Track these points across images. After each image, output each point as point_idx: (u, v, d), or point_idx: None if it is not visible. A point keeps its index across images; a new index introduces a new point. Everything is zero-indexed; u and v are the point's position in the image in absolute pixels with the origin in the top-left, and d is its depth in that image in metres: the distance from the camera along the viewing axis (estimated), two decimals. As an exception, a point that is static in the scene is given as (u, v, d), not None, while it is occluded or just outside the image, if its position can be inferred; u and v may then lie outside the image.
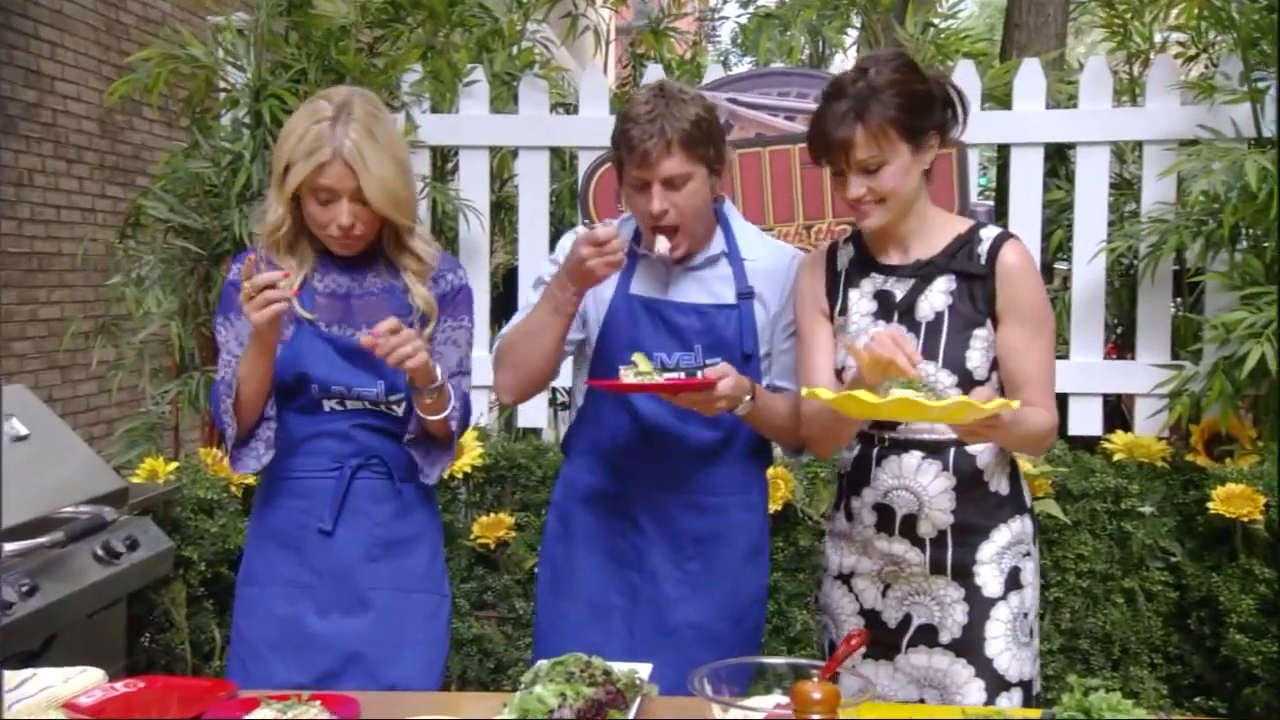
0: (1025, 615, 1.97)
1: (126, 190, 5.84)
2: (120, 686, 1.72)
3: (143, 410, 3.50)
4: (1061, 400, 3.21)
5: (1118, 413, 3.61)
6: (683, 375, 2.08)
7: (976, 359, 1.92)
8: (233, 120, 3.58)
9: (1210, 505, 2.97)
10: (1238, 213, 2.96)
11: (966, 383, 1.90)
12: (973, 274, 1.93)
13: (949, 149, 3.03)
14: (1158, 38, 3.83)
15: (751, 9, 4.72)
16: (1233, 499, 2.94)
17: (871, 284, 1.99)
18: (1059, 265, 3.96)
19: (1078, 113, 3.43)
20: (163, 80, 3.51)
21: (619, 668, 1.70)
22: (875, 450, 1.97)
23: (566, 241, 2.22)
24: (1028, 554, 2.00)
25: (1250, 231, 3.13)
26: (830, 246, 2.08)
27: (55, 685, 1.70)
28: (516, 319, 2.17)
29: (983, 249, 1.94)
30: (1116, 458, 3.17)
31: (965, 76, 3.40)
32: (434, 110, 3.63)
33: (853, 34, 4.52)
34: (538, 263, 3.56)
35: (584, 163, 3.56)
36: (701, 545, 2.15)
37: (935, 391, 1.84)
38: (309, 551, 2.07)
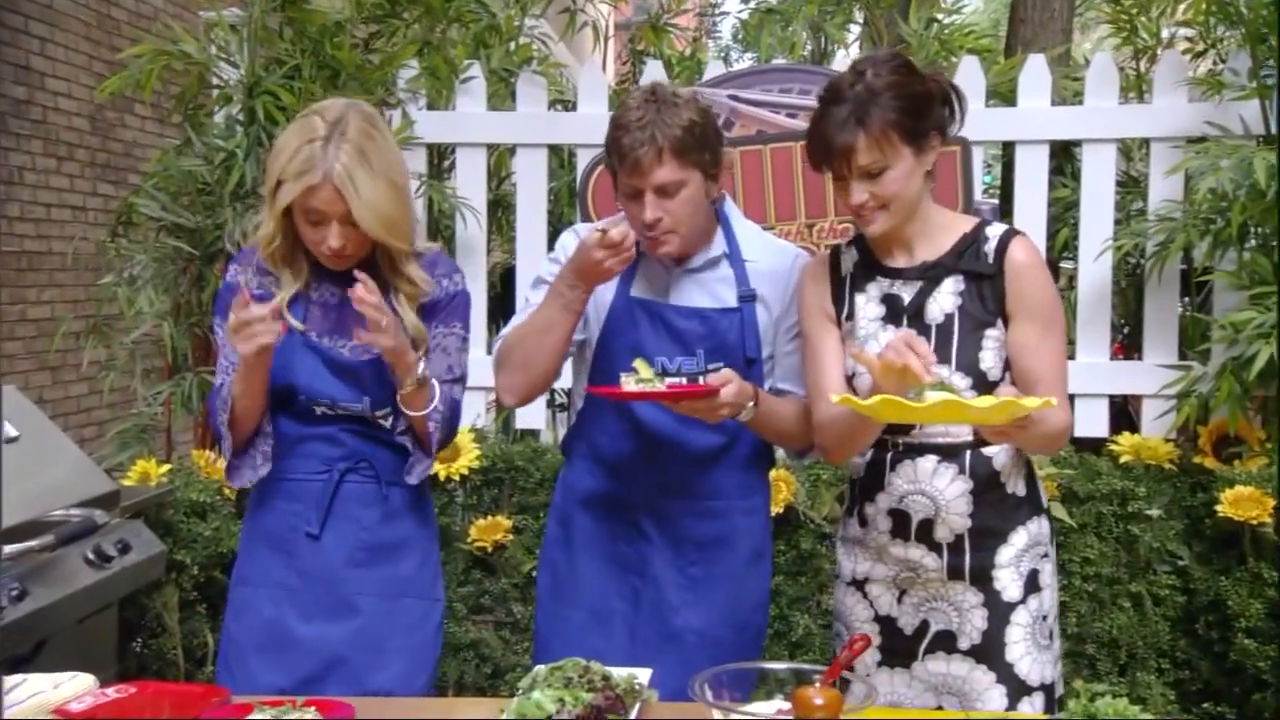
0: (1045, 618, 1.97)
1: (118, 188, 5.84)
2: (112, 692, 1.72)
3: (134, 412, 3.50)
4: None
5: (1124, 414, 3.61)
6: (684, 381, 2.08)
7: (990, 359, 1.92)
8: (226, 117, 3.58)
9: (1218, 508, 2.97)
10: (1246, 211, 2.96)
11: (981, 385, 1.90)
12: (981, 273, 1.93)
13: (952, 147, 3.03)
14: (1165, 33, 3.83)
15: (753, 4, 4.71)
16: (1241, 502, 2.94)
17: (878, 288, 1.99)
18: (1064, 264, 3.96)
19: (1083, 109, 3.43)
20: (155, 76, 3.51)
21: (618, 673, 1.70)
22: (889, 455, 1.97)
23: (566, 240, 2.21)
24: (1045, 555, 2.00)
25: (1259, 230, 3.13)
26: (833, 251, 2.07)
27: (46, 691, 1.70)
28: (518, 319, 2.16)
29: (990, 247, 1.94)
30: (1123, 460, 3.17)
31: (969, 73, 3.40)
32: (430, 107, 3.63)
33: (855, 30, 4.51)
34: (536, 262, 3.56)
35: (582, 160, 3.56)
36: (704, 550, 2.15)
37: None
38: (297, 554, 2.08)
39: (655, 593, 2.15)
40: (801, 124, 3.45)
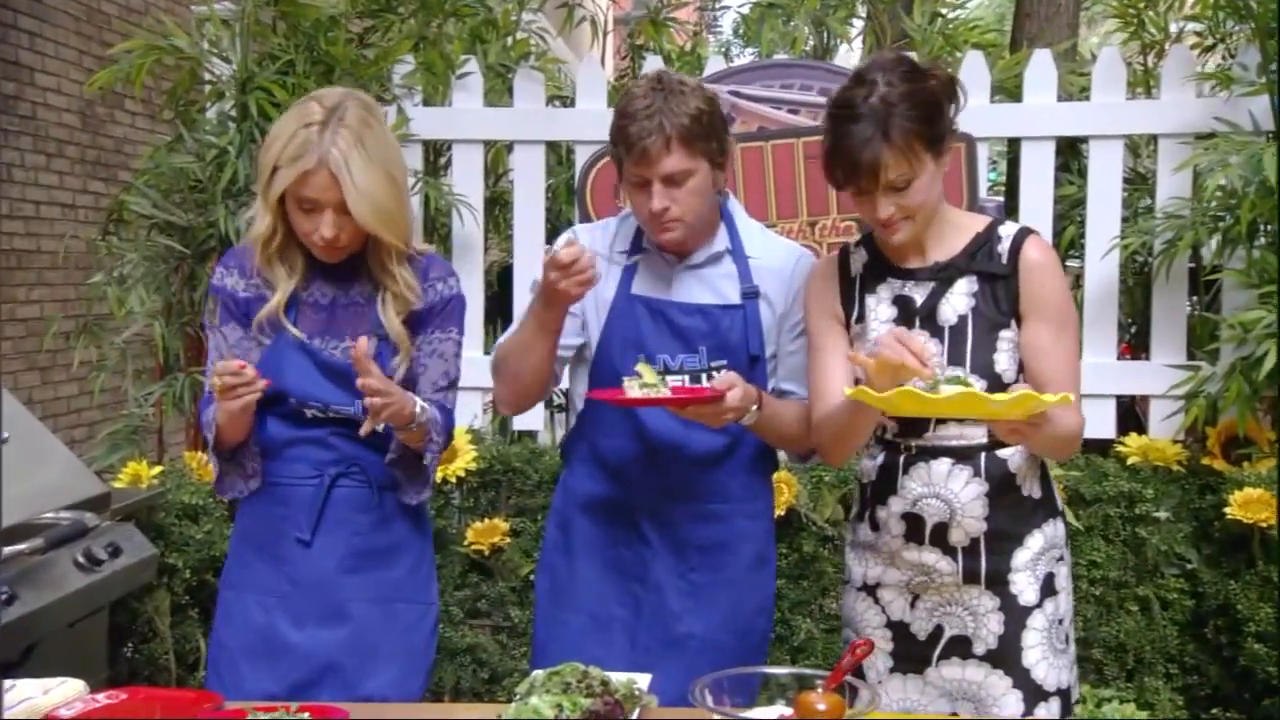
0: (1060, 621, 1.98)
1: (108, 185, 5.84)
2: (102, 698, 1.72)
3: (125, 413, 3.50)
4: (1074, 402, 3.21)
5: (1132, 415, 3.61)
6: (687, 379, 2.08)
7: (1004, 361, 1.92)
8: (218, 113, 3.58)
9: (1227, 510, 2.97)
10: (1255, 208, 2.96)
11: (995, 388, 1.89)
12: (995, 274, 1.92)
13: (956, 144, 3.03)
14: (1173, 28, 3.83)
15: (753, -2, 4.72)
16: (1251, 504, 2.94)
17: (889, 289, 1.98)
18: (1071, 262, 3.95)
19: (1090, 105, 3.43)
20: (145, 72, 3.51)
21: (617, 678, 1.70)
22: (902, 458, 1.97)
23: (563, 242, 2.22)
24: (1061, 558, 2.00)
25: (1268, 227, 3.12)
26: (841, 251, 2.07)
27: (35, 697, 1.70)
28: (511, 329, 2.17)
29: (1003, 247, 1.94)
30: (1130, 461, 3.17)
31: (974, 68, 3.40)
32: (426, 103, 3.63)
33: (858, 24, 4.51)
34: (533, 260, 3.58)
35: (581, 157, 3.56)
36: (706, 554, 2.15)
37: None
38: (287, 560, 2.08)
39: (656, 598, 2.15)
40: (804, 120, 3.46)
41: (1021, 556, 1.95)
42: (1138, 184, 3.67)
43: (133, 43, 3.57)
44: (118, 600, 2.66)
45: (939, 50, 3.76)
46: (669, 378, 2.04)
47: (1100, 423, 3.37)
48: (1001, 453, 1.94)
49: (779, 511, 2.98)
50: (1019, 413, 1.72)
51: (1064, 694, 1.96)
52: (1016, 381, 1.91)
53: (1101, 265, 3.38)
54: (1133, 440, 3.21)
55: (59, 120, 5.64)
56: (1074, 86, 3.62)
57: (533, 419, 3.65)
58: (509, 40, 3.99)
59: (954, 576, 1.94)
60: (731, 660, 1.95)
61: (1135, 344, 3.69)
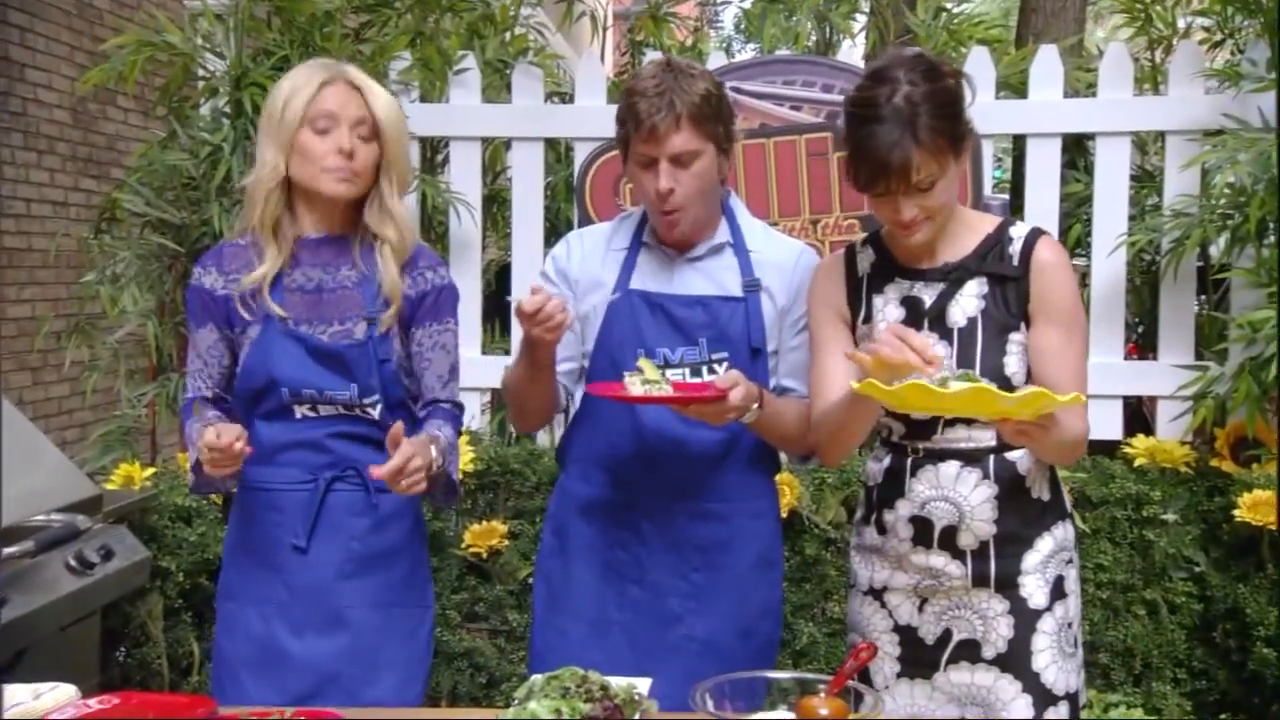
0: (1070, 625, 1.98)
1: (100, 183, 5.84)
2: (94, 703, 1.72)
3: (118, 413, 3.50)
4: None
5: (1139, 416, 3.61)
6: (686, 372, 2.08)
7: (1014, 365, 1.91)
8: (212, 110, 3.58)
9: (1236, 513, 2.97)
10: (1265, 206, 2.96)
11: (1005, 391, 1.89)
12: (1005, 275, 1.92)
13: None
14: (1181, 23, 3.83)
15: (755, -7, 4.72)
16: (1259, 506, 2.94)
17: (898, 290, 1.98)
18: (1077, 261, 3.95)
19: (1097, 102, 3.43)
20: (138, 68, 3.51)
21: (617, 682, 1.70)
22: (909, 460, 1.96)
23: (558, 252, 2.24)
24: (1070, 561, 2.00)
25: (1278, 225, 3.13)
26: (848, 250, 2.06)
27: (26, 702, 1.70)
28: (513, 357, 2.19)
29: (1015, 249, 1.93)
30: (1138, 463, 3.17)
31: (979, 64, 3.40)
32: (423, 99, 3.63)
33: (861, 20, 4.51)
34: (532, 259, 3.59)
35: (580, 154, 3.56)
36: (706, 554, 2.14)
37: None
38: (283, 568, 2.07)
39: (655, 600, 2.15)
40: (806, 117, 3.46)
41: (1031, 559, 1.95)
42: (1145, 181, 3.67)
43: (125, 38, 3.57)
44: (110, 604, 2.66)
45: (943, 46, 3.76)
46: (668, 371, 2.04)
47: (1107, 424, 3.37)
48: (1010, 455, 1.94)
49: (781, 513, 2.98)
50: (1029, 412, 1.71)
51: (1072, 698, 1.96)
52: (1026, 385, 1.91)
53: (1108, 264, 3.39)
54: (1140, 442, 3.21)
55: (50, 117, 5.64)
56: (1080, 82, 3.62)
57: (531, 420, 3.64)
58: (507, 36, 4.00)
59: (963, 580, 1.94)
60: (735, 664, 1.95)
61: (1142, 344, 3.69)
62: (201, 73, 3.62)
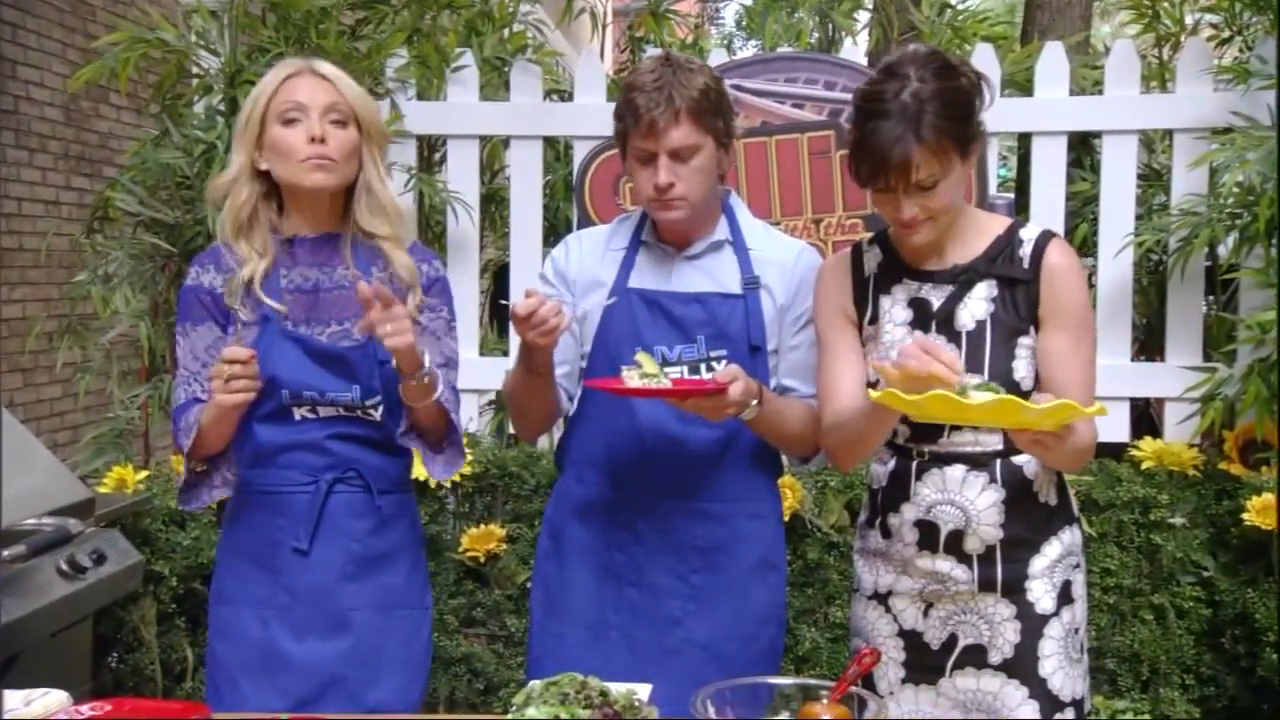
0: (1076, 631, 1.98)
1: (93, 182, 5.84)
2: (86, 710, 1.72)
3: (111, 415, 3.50)
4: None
5: (1146, 418, 3.61)
6: (685, 370, 2.08)
7: (1023, 369, 1.91)
8: (206, 107, 3.58)
9: (1245, 516, 2.97)
10: (1274, 205, 2.96)
11: (1016, 395, 1.88)
12: (1015, 279, 1.92)
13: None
14: (1189, 19, 3.83)
15: (757, -11, 4.73)
16: (1269, 510, 2.94)
17: (905, 291, 1.97)
18: (1083, 261, 3.96)
19: (1103, 99, 3.44)
20: (131, 65, 3.51)
21: (617, 688, 1.70)
22: (914, 464, 1.96)
23: (557, 254, 2.24)
24: (1077, 566, 2.00)
25: (1286, 225, 3.13)
26: (854, 249, 2.06)
27: (17, 708, 1.70)
28: (513, 363, 2.18)
29: (1025, 251, 1.93)
30: (1145, 466, 3.17)
31: (984, 61, 3.40)
32: (420, 97, 3.63)
33: (864, 17, 4.51)
34: (531, 258, 3.59)
35: (579, 153, 3.56)
36: (706, 556, 2.14)
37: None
38: (283, 571, 2.06)
39: (653, 602, 2.14)
40: (808, 115, 3.46)
41: (1039, 564, 1.95)
42: (1152, 180, 3.67)
43: (118, 35, 3.57)
44: (102, 609, 2.66)
45: (948, 43, 3.76)
46: (667, 369, 2.04)
47: (1114, 426, 3.36)
48: (1017, 459, 1.93)
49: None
50: (1052, 423, 1.71)
51: (1078, 704, 1.96)
52: (1035, 389, 1.91)
53: (1115, 264, 3.39)
54: (1147, 444, 3.21)
55: (42, 115, 5.64)
56: (1087, 80, 3.62)
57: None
58: (505, 33, 3.99)
59: (969, 585, 1.94)
60: (736, 669, 1.95)
61: (1150, 345, 3.69)
62: (195, 70, 3.62)
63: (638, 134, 2.03)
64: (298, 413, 2.05)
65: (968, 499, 1.93)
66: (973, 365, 1.90)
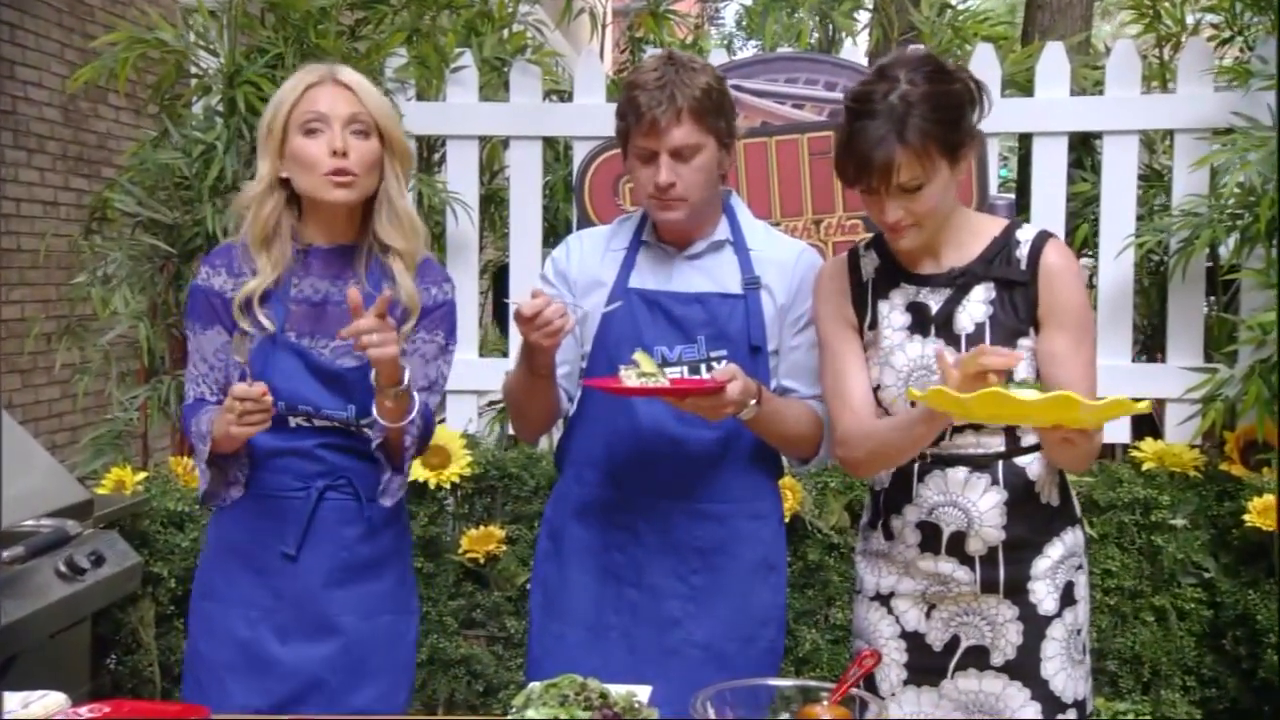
0: (1079, 632, 1.98)
1: (91, 182, 5.84)
2: (84, 712, 1.72)
3: (109, 417, 3.50)
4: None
5: (1147, 419, 3.61)
6: (685, 370, 2.08)
7: (1024, 371, 1.91)
8: (205, 108, 3.58)
9: (1246, 517, 2.97)
10: (1275, 206, 2.97)
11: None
12: (1013, 280, 1.92)
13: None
14: (1189, 20, 3.84)
15: (757, -10, 4.74)
16: (1270, 511, 2.94)
17: (903, 295, 1.97)
18: (1084, 261, 3.96)
19: (1104, 100, 3.44)
20: (130, 65, 3.51)
21: (616, 690, 1.70)
22: (916, 466, 1.96)
23: (558, 254, 2.24)
24: (1080, 567, 2.00)
25: (1287, 226, 3.13)
26: (851, 254, 2.06)
27: (15, 710, 1.70)
28: (513, 364, 2.18)
29: (1022, 252, 1.93)
30: (1146, 467, 3.17)
31: (984, 61, 3.41)
32: (420, 98, 3.63)
33: (864, 17, 4.52)
34: (530, 259, 3.59)
35: (579, 153, 3.56)
36: (706, 557, 2.14)
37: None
38: (271, 573, 2.07)
39: (654, 604, 2.14)
40: (808, 115, 3.46)
41: (1041, 565, 1.95)
42: (1153, 181, 3.67)
43: (116, 35, 3.57)
44: (101, 610, 2.66)
45: (948, 43, 3.77)
46: (667, 369, 2.04)
47: (1114, 427, 3.37)
48: (1019, 461, 1.94)
49: (783, 518, 2.99)
50: (1097, 419, 1.71)
51: (1080, 705, 1.97)
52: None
53: (1116, 265, 3.39)
54: (1148, 445, 3.21)
55: (40, 115, 5.64)
56: (1087, 80, 3.62)
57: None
58: (505, 33, 4.00)
59: (971, 586, 1.94)
60: (736, 670, 1.95)
61: (1151, 345, 3.69)
62: (194, 70, 3.62)
63: (639, 132, 2.03)
64: (293, 421, 2.04)
65: (970, 500, 1.93)
66: None
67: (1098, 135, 3.53)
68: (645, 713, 1.70)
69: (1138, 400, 1.69)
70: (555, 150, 3.96)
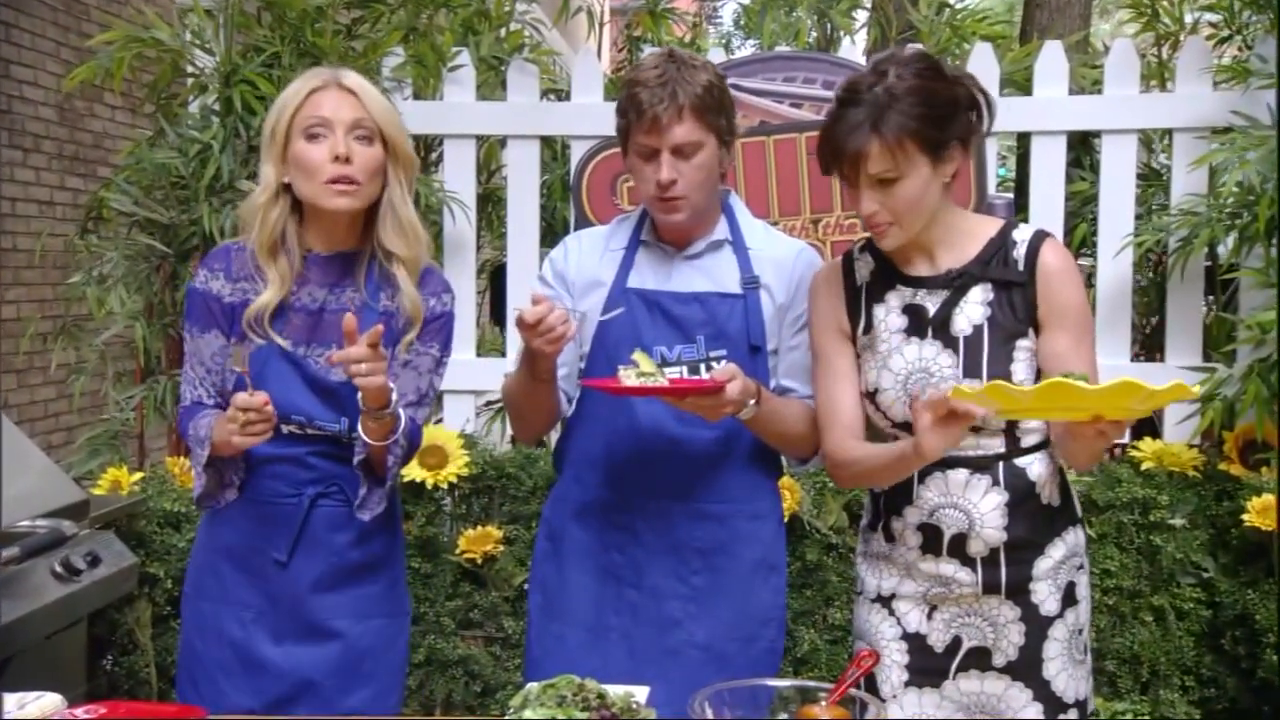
0: (1080, 632, 1.98)
1: (87, 182, 5.84)
2: (81, 713, 1.72)
3: (105, 417, 3.50)
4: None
5: (1146, 419, 3.62)
6: (684, 370, 2.08)
7: (1022, 372, 1.91)
8: (201, 107, 3.58)
9: (1245, 517, 2.97)
10: (1274, 205, 2.97)
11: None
12: (1011, 281, 1.92)
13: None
14: (1188, 18, 3.84)
15: (755, -12, 4.74)
16: (1269, 510, 2.94)
17: (899, 298, 1.97)
18: (1083, 261, 3.97)
19: (1103, 98, 3.44)
20: (126, 64, 3.51)
21: (614, 690, 1.70)
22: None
23: (556, 255, 2.23)
24: (1081, 567, 2.00)
25: (1286, 225, 3.13)
26: (845, 257, 2.06)
27: (11, 712, 1.70)
28: (513, 366, 2.18)
29: (1019, 253, 1.93)
30: (1145, 466, 3.17)
31: (983, 60, 3.41)
32: (417, 97, 3.63)
33: (862, 16, 4.52)
34: (528, 259, 3.59)
35: (577, 153, 3.56)
36: (706, 557, 2.14)
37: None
38: (263, 576, 2.07)
39: (654, 604, 2.14)
40: (807, 114, 3.46)
41: (1043, 565, 1.95)
42: (1152, 180, 3.67)
43: (112, 34, 3.57)
44: (97, 611, 2.66)
45: (946, 42, 3.77)
46: (666, 369, 2.04)
47: (1114, 427, 3.37)
48: (1020, 462, 1.94)
49: (781, 519, 2.99)
50: (1158, 405, 1.69)
51: (1081, 706, 1.97)
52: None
53: (1114, 264, 3.39)
54: (1147, 445, 3.21)
55: (36, 114, 5.64)
56: (1086, 79, 3.62)
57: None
58: (502, 32, 4.00)
59: (973, 587, 1.94)
60: (736, 670, 1.95)
61: (1149, 345, 3.69)
62: (190, 69, 3.62)
63: (641, 129, 2.03)
64: (285, 428, 2.03)
65: (971, 502, 1.93)
66: (970, 370, 1.90)
67: (1096, 134, 3.54)
68: (643, 713, 1.70)
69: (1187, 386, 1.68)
70: (553, 149, 3.96)
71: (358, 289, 2.06)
